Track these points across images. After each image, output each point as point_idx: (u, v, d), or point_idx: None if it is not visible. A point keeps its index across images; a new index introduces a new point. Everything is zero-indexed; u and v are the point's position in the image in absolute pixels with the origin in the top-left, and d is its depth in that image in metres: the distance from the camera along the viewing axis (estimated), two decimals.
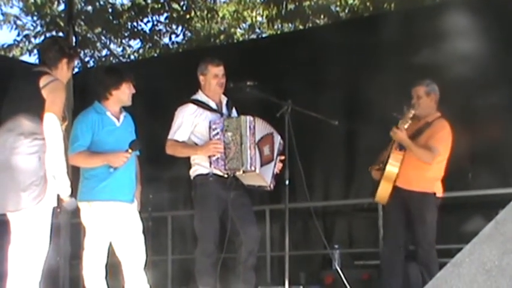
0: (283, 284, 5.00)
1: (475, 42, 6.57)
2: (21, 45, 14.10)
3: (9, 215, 4.10)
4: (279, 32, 13.14)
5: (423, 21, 7.49)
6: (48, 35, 13.14)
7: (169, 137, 5.13)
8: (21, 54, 14.19)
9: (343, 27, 9.65)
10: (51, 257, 4.23)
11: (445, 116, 5.76)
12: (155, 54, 14.03)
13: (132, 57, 14.29)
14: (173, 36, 13.73)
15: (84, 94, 5.81)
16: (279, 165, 5.17)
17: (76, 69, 9.08)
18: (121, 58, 13.80)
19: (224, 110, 5.22)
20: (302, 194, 5.98)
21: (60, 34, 11.24)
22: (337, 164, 8.04)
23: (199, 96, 5.21)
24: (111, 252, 4.83)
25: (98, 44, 13.90)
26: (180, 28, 13.72)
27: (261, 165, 5.03)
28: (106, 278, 4.82)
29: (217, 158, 4.98)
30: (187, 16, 13.43)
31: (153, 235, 7.07)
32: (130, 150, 4.70)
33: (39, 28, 13.87)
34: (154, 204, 7.35)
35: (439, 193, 5.64)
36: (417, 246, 5.59)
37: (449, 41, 6.76)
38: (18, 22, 13.95)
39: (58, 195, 4.13)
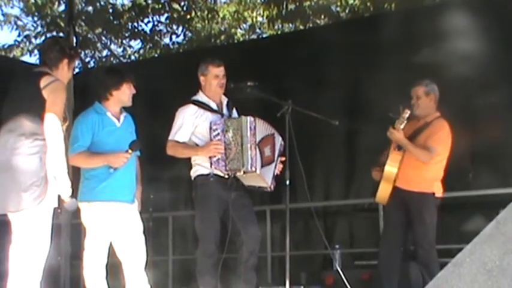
0: (284, 284, 5.00)
1: (475, 42, 6.57)
2: (21, 45, 14.12)
3: (10, 216, 4.10)
4: (279, 32, 13.14)
5: (423, 21, 7.49)
6: (48, 35, 13.13)
7: (170, 137, 5.13)
8: (22, 54, 14.20)
9: (344, 27, 9.65)
10: (52, 256, 4.23)
11: (446, 116, 5.76)
12: (156, 55, 14.03)
13: (132, 57, 14.30)
14: (174, 36, 13.75)
15: (85, 94, 5.81)
16: (280, 167, 5.17)
17: (76, 70, 9.09)
18: (121, 58, 13.81)
19: (225, 111, 5.22)
20: (303, 194, 5.98)
21: (61, 34, 11.24)
22: (338, 164, 8.04)
23: (200, 96, 5.21)
24: (111, 252, 4.83)
25: (99, 45, 13.91)
26: (180, 28, 13.73)
27: (262, 166, 5.02)
28: (107, 278, 4.82)
29: (218, 159, 4.98)
30: (188, 16, 13.44)
31: (154, 235, 7.07)
32: (130, 151, 4.70)
33: (39, 28, 13.89)
34: (155, 204, 7.36)
35: (439, 193, 5.64)
36: (417, 246, 5.60)
37: (449, 40, 6.76)
38: (19, 22, 13.98)
39: (59, 196, 4.13)
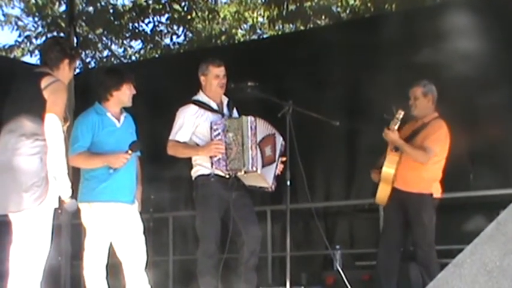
0: (285, 285, 5.00)
1: (475, 42, 6.57)
2: (22, 46, 14.12)
3: (11, 216, 4.10)
4: (280, 33, 13.14)
5: (424, 22, 7.49)
6: (49, 35, 13.13)
7: (171, 137, 5.13)
8: (23, 55, 14.21)
9: (344, 27, 9.66)
10: (53, 256, 4.23)
11: (446, 116, 5.76)
12: (156, 55, 14.04)
13: (133, 58, 14.31)
14: (174, 37, 13.75)
15: (86, 95, 5.81)
16: (281, 167, 5.17)
17: (77, 70, 9.09)
18: (122, 59, 13.80)
19: (225, 111, 5.22)
20: (303, 194, 5.98)
21: (62, 35, 11.24)
22: (338, 164, 8.04)
23: (200, 96, 5.21)
24: (111, 252, 4.83)
25: (99, 45, 13.91)
26: (181, 29, 13.74)
27: (263, 166, 5.02)
28: (107, 278, 4.82)
29: (219, 159, 4.98)
30: (189, 17, 13.44)
31: (155, 235, 7.08)
32: (130, 152, 4.70)
33: (40, 29, 13.89)
34: (156, 204, 7.36)
35: (437, 194, 5.62)
36: (416, 247, 5.60)
37: (450, 41, 6.76)
38: (20, 23, 13.98)
39: (59, 196, 4.13)
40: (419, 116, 5.68)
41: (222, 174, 5.03)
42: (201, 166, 5.09)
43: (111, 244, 4.80)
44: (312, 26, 12.50)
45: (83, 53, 13.07)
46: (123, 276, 4.78)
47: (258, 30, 14.28)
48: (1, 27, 13.83)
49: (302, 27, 12.51)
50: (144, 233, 4.85)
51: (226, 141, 4.96)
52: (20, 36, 13.96)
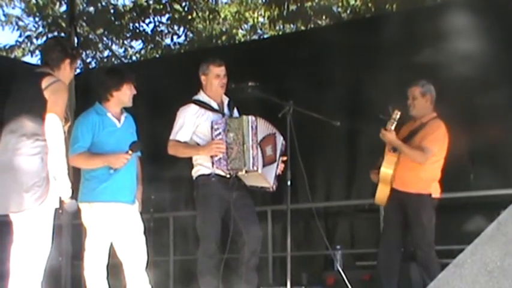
0: (285, 285, 5.00)
1: (476, 43, 6.57)
2: (23, 46, 14.12)
3: (12, 216, 4.10)
4: (280, 33, 13.14)
5: (424, 22, 7.49)
6: (50, 36, 13.14)
7: (171, 137, 5.13)
8: (23, 55, 14.21)
9: (345, 28, 9.66)
10: (53, 257, 4.23)
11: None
12: (157, 55, 14.04)
13: (133, 58, 14.31)
14: (175, 37, 13.76)
15: (86, 95, 5.81)
16: (281, 166, 5.17)
17: (78, 70, 9.09)
18: (123, 59, 13.80)
19: (226, 110, 5.22)
20: (304, 194, 5.98)
21: (62, 35, 11.24)
22: (339, 164, 8.05)
23: (201, 96, 5.21)
24: (112, 252, 4.83)
25: (100, 45, 13.91)
26: (181, 29, 13.75)
27: (264, 166, 5.02)
28: (107, 278, 4.82)
29: (220, 158, 4.97)
30: (189, 17, 13.45)
31: (155, 236, 7.08)
32: (130, 152, 4.70)
33: (41, 29, 13.90)
34: (156, 204, 7.36)
35: (436, 194, 5.62)
36: (416, 247, 5.59)
37: (450, 41, 6.77)
38: (20, 23, 13.98)
39: (59, 197, 4.13)
40: (417, 116, 5.68)
41: (223, 174, 5.03)
42: (202, 166, 5.09)
43: (111, 244, 4.80)
44: (312, 26, 12.50)
45: (84, 53, 13.08)
46: (124, 276, 4.78)
47: (259, 31, 14.28)
48: (2, 28, 13.86)
49: (303, 28, 12.51)
50: (145, 233, 4.85)
51: (227, 141, 4.96)
52: (20, 36, 13.99)
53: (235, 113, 5.28)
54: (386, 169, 5.52)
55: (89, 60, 13.81)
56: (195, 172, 5.14)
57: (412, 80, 5.81)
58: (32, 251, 4.04)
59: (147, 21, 13.60)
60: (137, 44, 14.26)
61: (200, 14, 13.62)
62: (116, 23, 13.62)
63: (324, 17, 12.61)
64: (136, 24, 13.74)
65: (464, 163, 7.07)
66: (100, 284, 4.78)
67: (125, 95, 4.86)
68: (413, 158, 5.48)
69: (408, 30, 7.29)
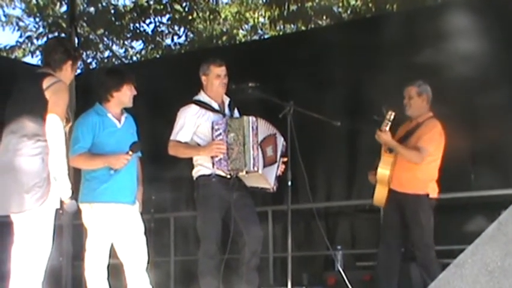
0: (286, 285, 4.99)
1: (476, 43, 6.57)
2: (23, 46, 14.13)
3: (13, 216, 4.10)
4: (281, 33, 13.14)
5: (425, 22, 7.49)
6: (50, 36, 13.15)
7: (172, 137, 5.12)
8: (24, 55, 14.21)
9: (346, 28, 9.66)
10: (54, 257, 4.23)
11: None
12: (157, 56, 14.04)
13: (134, 58, 14.32)
14: (175, 37, 13.77)
15: (87, 95, 5.82)
16: (282, 167, 5.17)
17: (78, 71, 9.10)
18: (123, 59, 13.81)
19: (226, 111, 5.22)
20: (304, 195, 5.98)
21: (63, 35, 11.25)
22: (340, 164, 8.05)
23: (202, 96, 5.21)
24: (112, 253, 4.83)
25: (100, 45, 13.92)
26: (182, 29, 13.75)
27: (264, 166, 5.02)
28: (108, 278, 4.82)
29: (220, 159, 4.97)
30: (190, 17, 13.46)
31: (156, 236, 7.08)
32: (131, 152, 4.70)
33: (41, 29, 13.90)
34: (157, 205, 7.36)
35: (433, 194, 5.61)
36: (414, 248, 5.59)
37: (450, 41, 6.77)
38: (21, 23, 13.98)
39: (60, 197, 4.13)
40: (413, 115, 5.68)
41: (223, 174, 5.02)
42: (202, 166, 5.09)
43: (112, 245, 4.80)
44: (313, 26, 12.50)
45: (84, 53, 13.08)
46: (124, 276, 4.79)
47: (259, 31, 14.28)
48: (2, 28, 13.87)
49: (303, 28, 12.51)
50: (145, 233, 4.85)
51: (228, 141, 4.96)
52: (21, 36, 14.00)
53: (236, 113, 5.28)
54: (383, 170, 5.52)
55: (89, 60, 13.82)
56: (196, 172, 5.14)
57: (412, 80, 5.81)
58: (33, 251, 4.04)
59: (147, 21, 13.61)
60: (138, 45, 14.29)
61: (201, 15, 13.63)
62: (117, 23, 13.62)
63: (324, 17, 12.61)
64: (137, 25, 13.74)
65: (464, 163, 7.07)
66: (101, 285, 4.78)
67: (125, 95, 4.85)
68: (409, 158, 5.48)
69: (408, 31, 7.29)
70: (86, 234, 4.86)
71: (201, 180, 5.10)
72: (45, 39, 13.30)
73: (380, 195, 5.59)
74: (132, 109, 4.97)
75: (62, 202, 4.13)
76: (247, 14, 14.15)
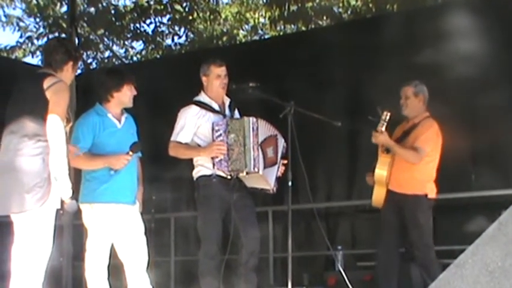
0: (286, 285, 4.99)
1: (476, 43, 6.57)
2: (23, 46, 14.12)
3: (13, 217, 4.10)
4: (281, 33, 13.14)
5: (425, 22, 7.49)
6: (50, 36, 13.16)
7: (172, 138, 5.12)
8: (24, 55, 14.21)
9: (346, 28, 9.65)
10: (54, 257, 4.23)
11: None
12: (158, 56, 14.04)
13: (134, 58, 14.31)
14: (176, 37, 13.76)
15: (87, 96, 5.82)
16: (282, 169, 5.17)
17: (78, 71, 9.10)
18: (124, 59, 13.81)
19: (227, 111, 5.22)
20: (305, 195, 5.98)
21: (63, 35, 11.25)
22: (340, 165, 8.04)
23: (202, 97, 5.21)
24: (113, 253, 4.83)
25: (101, 46, 13.91)
26: (182, 29, 13.75)
27: (265, 167, 5.02)
28: (108, 279, 4.82)
29: (221, 160, 4.97)
30: (190, 17, 13.45)
31: (156, 236, 7.08)
32: (131, 153, 4.70)
33: (41, 30, 13.89)
34: (157, 205, 7.36)
35: (432, 194, 5.61)
36: (414, 248, 5.58)
37: (451, 41, 6.77)
38: (21, 24, 13.97)
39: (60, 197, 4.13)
40: (409, 115, 5.68)
41: (224, 175, 5.03)
42: (203, 167, 5.09)
43: (112, 245, 4.80)
44: (313, 26, 12.50)
45: (85, 53, 13.08)
46: (125, 277, 4.79)
47: (260, 31, 14.28)
48: (2, 28, 13.86)
49: (303, 28, 12.51)
50: (146, 233, 4.85)
51: (228, 142, 4.96)
52: (21, 37, 13.99)
53: (236, 114, 5.27)
54: (380, 171, 5.52)
55: (89, 60, 13.82)
56: (196, 173, 5.14)
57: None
58: (33, 251, 4.04)
59: (147, 21, 13.61)
60: (138, 45, 14.29)
61: (201, 15, 13.62)
62: (117, 23, 13.62)
63: (324, 18, 12.61)
64: (137, 25, 13.74)
65: (465, 163, 7.07)
66: (101, 285, 4.78)
67: (125, 95, 4.86)
68: (406, 158, 5.48)
69: (409, 31, 7.29)
70: (86, 234, 4.86)
71: (201, 181, 5.10)
72: (45, 39, 13.29)
73: (378, 196, 5.59)
74: (133, 109, 4.97)
75: (62, 202, 4.13)
76: (248, 14, 14.15)
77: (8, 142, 4.11)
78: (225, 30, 14.33)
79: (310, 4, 12.53)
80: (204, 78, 5.22)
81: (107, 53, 14.18)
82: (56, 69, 4.29)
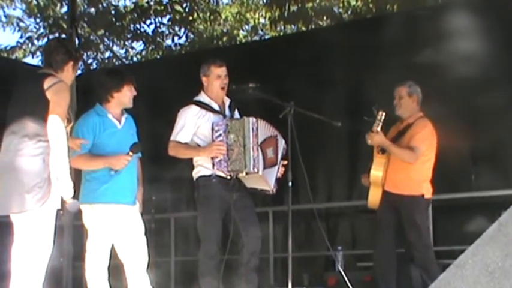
0: (286, 286, 4.99)
1: (476, 43, 6.58)
2: (24, 47, 14.12)
3: (13, 217, 4.10)
4: (281, 34, 13.14)
5: (425, 22, 7.49)
6: (51, 37, 13.16)
7: (172, 138, 5.12)
8: (24, 56, 14.21)
9: (346, 28, 9.65)
10: (55, 258, 4.23)
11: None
12: (158, 56, 14.04)
13: (134, 59, 14.31)
14: (176, 38, 13.76)
15: (87, 96, 5.82)
16: (282, 170, 5.16)
17: (79, 71, 9.09)
18: (124, 60, 13.81)
19: (227, 112, 5.22)
20: (305, 195, 5.98)
21: (63, 36, 11.25)
22: (340, 165, 8.04)
23: (202, 97, 5.21)
24: (113, 254, 4.83)
25: (101, 46, 13.91)
26: (182, 30, 13.74)
27: (264, 168, 5.02)
28: (109, 279, 4.82)
29: (220, 160, 4.97)
30: (190, 18, 13.45)
31: (156, 237, 7.08)
32: (131, 153, 4.70)
33: (42, 30, 13.89)
34: (157, 205, 7.36)
35: (428, 194, 5.61)
36: (412, 249, 5.58)
37: (451, 41, 6.77)
38: (21, 24, 13.97)
39: (61, 197, 4.13)
40: (403, 116, 5.69)
41: (224, 175, 5.02)
42: (203, 167, 5.09)
43: (112, 245, 4.80)
44: (313, 26, 12.50)
45: (85, 54, 13.07)
46: (125, 277, 4.78)
47: (260, 31, 14.28)
48: (3, 29, 13.85)
49: (304, 28, 12.50)
50: (146, 234, 4.85)
51: (228, 142, 4.96)
52: (21, 37, 13.98)
53: (236, 114, 5.27)
54: (376, 171, 5.52)
55: (90, 61, 13.81)
56: (196, 173, 5.14)
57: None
58: (34, 252, 4.04)
59: (148, 22, 13.60)
60: (138, 45, 14.29)
61: (201, 15, 13.62)
62: (117, 24, 13.62)
63: (324, 18, 12.60)
64: (137, 25, 13.73)
65: (465, 163, 7.07)
66: (101, 285, 4.78)
67: (125, 96, 4.85)
68: (402, 158, 5.48)
69: (409, 31, 7.29)
70: (87, 234, 4.86)
71: (201, 181, 5.10)
72: (45, 39, 13.29)
73: (374, 197, 5.59)
74: (133, 110, 4.97)
75: (64, 202, 4.13)
76: (248, 15, 14.15)
77: (9, 143, 4.12)
78: (225, 30, 14.33)
79: (310, 4, 12.53)
80: (204, 79, 5.22)
81: (107, 54, 14.20)
82: (57, 69, 4.29)
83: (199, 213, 5.16)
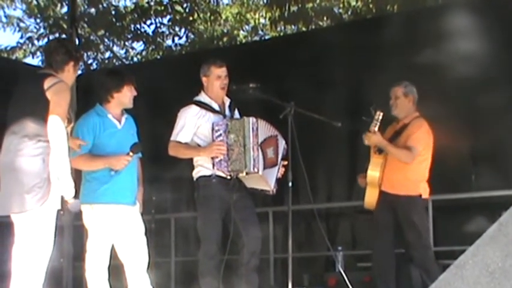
0: (287, 286, 4.99)
1: (476, 43, 6.58)
2: (24, 47, 14.12)
3: (13, 217, 4.10)
4: (281, 34, 13.14)
5: (425, 23, 7.49)
6: (51, 37, 13.16)
7: (172, 138, 5.12)
8: (25, 56, 14.21)
9: (346, 29, 9.66)
10: (55, 258, 4.23)
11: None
12: (158, 56, 14.05)
13: (135, 59, 14.31)
14: (176, 38, 13.76)
15: (87, 96, 5.82)
16: (282, 170, 5.16)
17: (79, 72, 9.09)
18: (124, 60, 13.81)
19: (227, 112, 5.22)
20: (305, 195, 5.98)
21: (63, 36, 11.25)
22: (340, 165, 8.04)
23: (202, 97, 5.21)
24: (113, 254, 4.83)
25: (101, 46, 13.91)
26: (183, 30, 13.74)
27: (264, 168, 5.02)
28: (109, 279, 4.82)
29: (220, 160, 4.97)
30: (190, 18, 13.45)
31: (156, 237, 7.08)
32: (131, 153, 4.70)
33: (42, 30, 13.89)
34: (157, 205, 7.36)
35: (425, 194, 5.61)
36: (412, 249, 5.58)
37: (451, 41, 6.77)
38: (21, 24, 13.97)
39: (62, 197, 4.13)
40: (399, 116, 5.69)
41: (224, 175, 5.02)
42: (203, 167, 5.09)
43: (113, 246, 4.80)
44: (313, 27, 12.49)
45: (85, 54, 13.07)
46: (125, 277, 4.79)
47: (260, 32, 14.28)
48: (3, 29, 13.85)
49: (304, 29, 12.50)
50: (146, 234, 4.85)
51: (228, 142, 4.96)
52: (21, 37, 13.98)
53: (237, 114, 5.27)
54: (373, 172, 5.52)
55: (90, 61, 13.81)
56: (196, 173, 5.14)
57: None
58: (34, 252, 4.04)
59: (148, 22, 13.60)
60: (138, 45, 14.28)
61: (201, 15, 13.62)
62: (117, 24, 13.61)
63: (325, 18, 12.60)
64: (138, 26, 13.73)
65: (465, 164, 7.07)
66: (101, 286, 4.78)
67: (125, 96, 4.86)
68: (399, 158, 5.48)
69: (409, 31, 7.29)
70: (87, 235, 4.86)
71: (201, 181, 5.10)
72: (45, 40, 13.30)
73: (371, 197, 5.58)
74: (133, 110, 4.97)
75: (65, 202, 4.14)
76: (248, 15, 14.15)
77: (9, 143, 4.12)
78: (225, 30, 14.33)
79: (310, 5, 12.53)
80: (204, 79, 5.22)
81: (107, 54, 14.20)
82: (57, 69, 4.29)
83: (199, 213, 5.16)
